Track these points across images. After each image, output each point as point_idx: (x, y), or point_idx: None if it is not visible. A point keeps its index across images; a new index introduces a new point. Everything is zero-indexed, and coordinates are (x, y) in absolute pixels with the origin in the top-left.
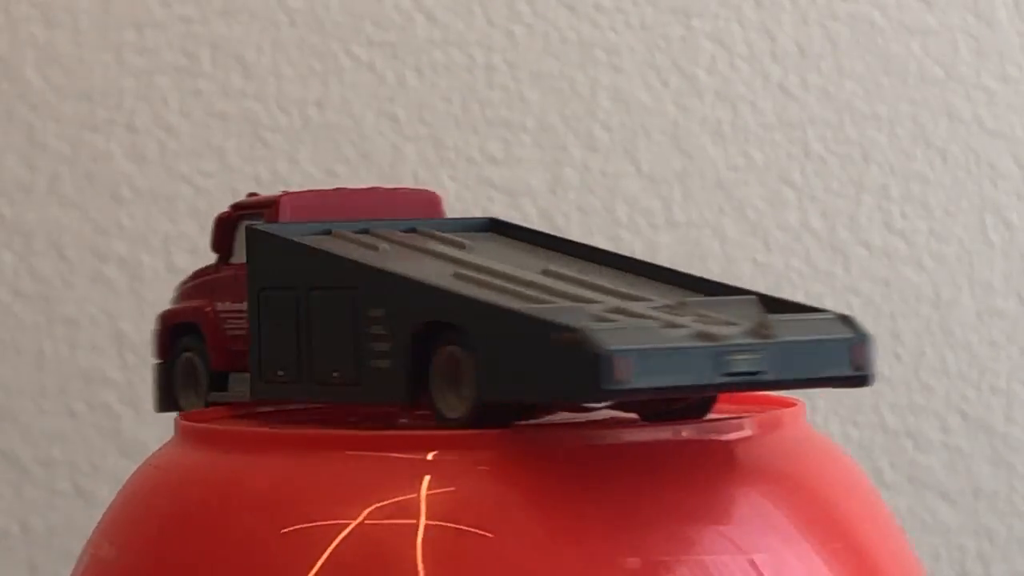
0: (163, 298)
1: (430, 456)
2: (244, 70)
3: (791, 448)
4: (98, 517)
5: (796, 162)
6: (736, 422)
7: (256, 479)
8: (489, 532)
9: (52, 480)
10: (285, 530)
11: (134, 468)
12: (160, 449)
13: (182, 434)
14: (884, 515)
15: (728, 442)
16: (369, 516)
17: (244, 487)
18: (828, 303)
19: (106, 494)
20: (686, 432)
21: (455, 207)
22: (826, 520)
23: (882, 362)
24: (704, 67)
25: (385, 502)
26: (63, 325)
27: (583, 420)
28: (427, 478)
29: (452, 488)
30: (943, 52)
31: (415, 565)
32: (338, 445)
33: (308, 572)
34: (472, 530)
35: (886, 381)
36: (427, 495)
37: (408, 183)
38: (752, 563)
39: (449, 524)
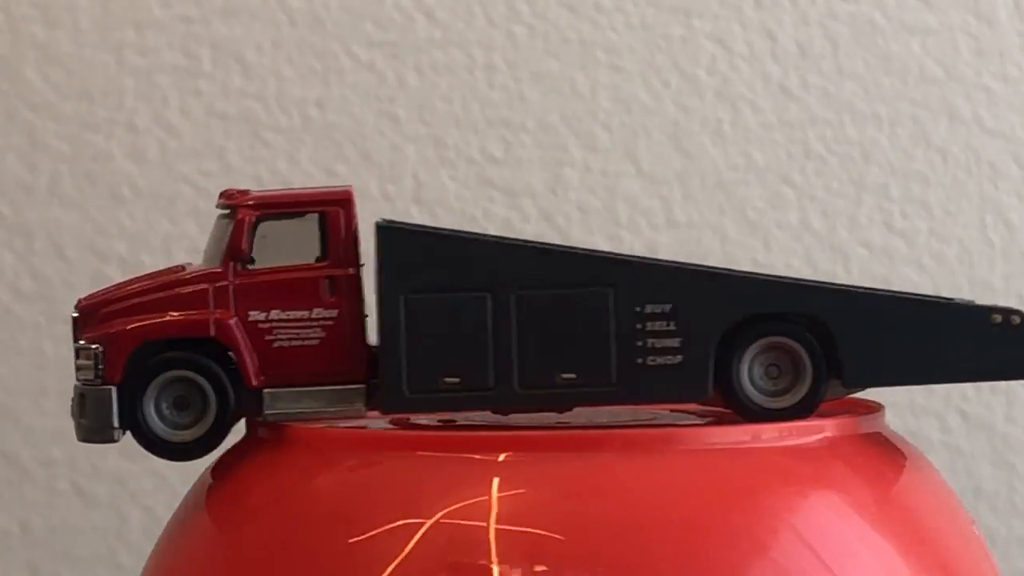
0: None
1: (501, 457)
2: (244, 70)
3: (871, 451)
4: (98, 517)
5: (796, 162)
6: (816, 424)
7: (327, 480)
8: (560, 535)
9: (52, 480)
10: (355, 535)
11: (134, 468)
12: (229, 451)
13: (253, 435)
14: (963, 518)
15: (808, 445)
16: (441, 518)
17: (315, 488)
18: None
19: (106, 494)
20: (766, 435)
21: (455, 207)
22: (907, 524)
23: None
24: (704, 67)
25: (456, 505)
26: (63, 325)
27: (662, 421)
28: (496, 480)
29: (523, 490)
30: (943, 52)
31: (489, 568)
32: (410, 446)
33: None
34: (543, 533)
35: None
36: (498, 497)
37: (408, 183)
38: (832, 569)
39: (520, 528)
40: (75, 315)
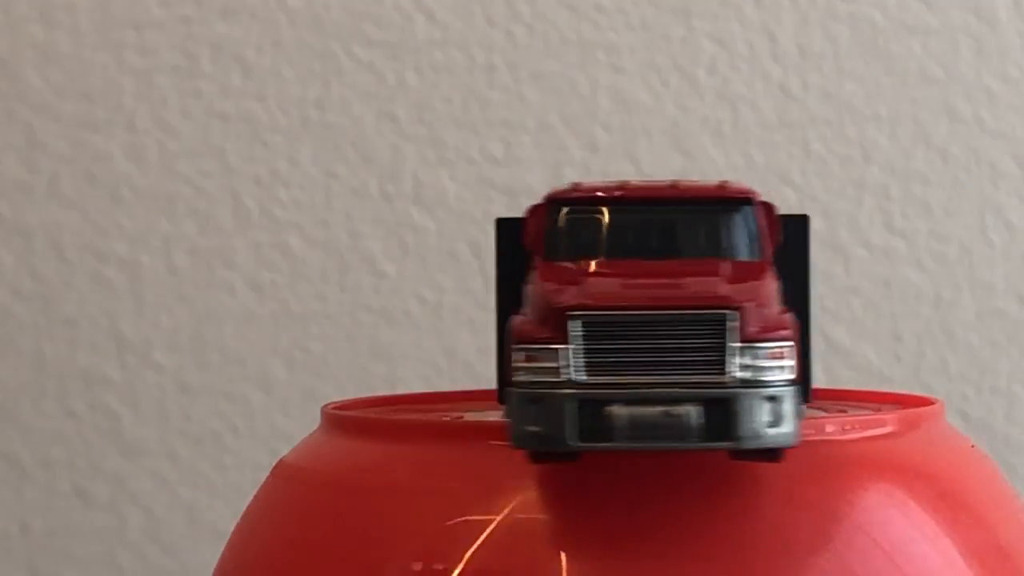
0: (163, 298)
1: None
2: (244, 70)
3: (932, 446)
4: (98, 517)
5: (796, 162)
6: (878, 418)
7: (398, 469)
8: (629, 526)
9: (52, 480)
10: (430, 523)
11: (134, 468)
12: (306, 440)
13: (328, 423)
14: (1021, 509)
15: (870, 439)
16: (513, 510)
17: (385, 477)
18: (828, 303)
19: (106, 494)
20: (830, 427)
21: (455, 207)
22: (968, 519)
23: (882, 363)
24: (704, 67)
25: (527, 494)
26: (63, 325)
27: None
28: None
29: (589, 479)
30: (943, 52)
31: (558, 558)
32: (482, 435)
33: (456, 566)
34: (613, 523)
35: (887, 382)
36: (569, 488)
37: (408, 183)
38: (895, 562)
39: (589, 519)
40: (731, 312)
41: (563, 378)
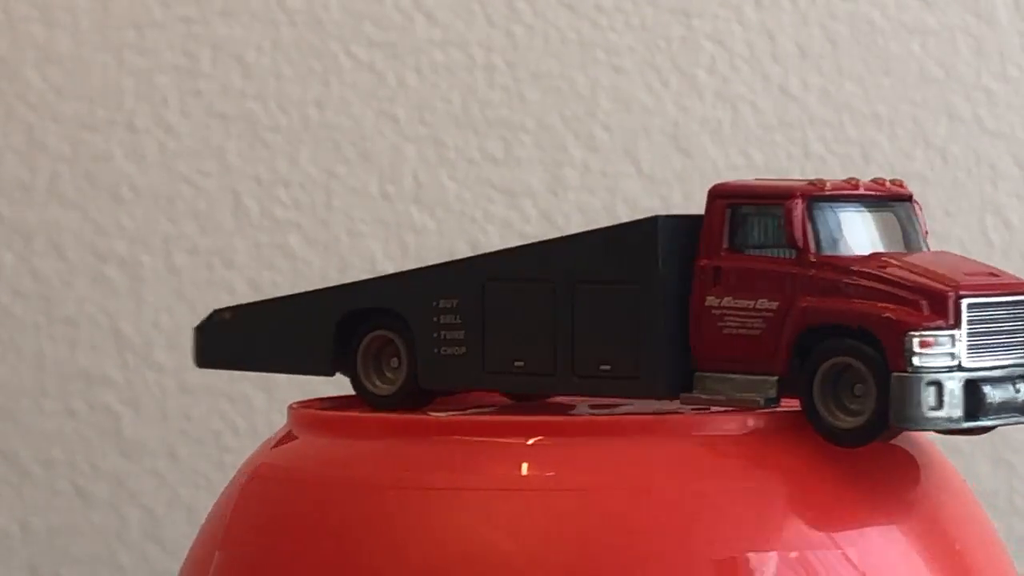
0: (163, 298)
1: (531, 442)
2: (244, 70)
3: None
4: (98, 517)
5: (796, 162)
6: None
7: (357, 465)
8: (588, 519)
9: (52, 480)
10: (383, 519)
11: (134, 468)
12: (265, 441)
13: (295, 421)
14: (975, 511)
15: (796, 436)
16: (467, 502)
17: (344, 473)
18: None
19: (106, 494)
20: (777, 421)
21: (455, 207)
22: (918, 511)
23: None
24: (704, 67)
25: (484, 488)
26: (63, 325)
27: (696, 409)
28: (525, 464)
29: (552, 473)
30: (943, 52)
31: (516, 550)
32: (444, 431)
33: (407, 558)
34: (572, 516)
35: None
36: (526, 480)
37: (408, 183)
38: (847, 556)
39: (548, 511)
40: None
41: (955, 362)
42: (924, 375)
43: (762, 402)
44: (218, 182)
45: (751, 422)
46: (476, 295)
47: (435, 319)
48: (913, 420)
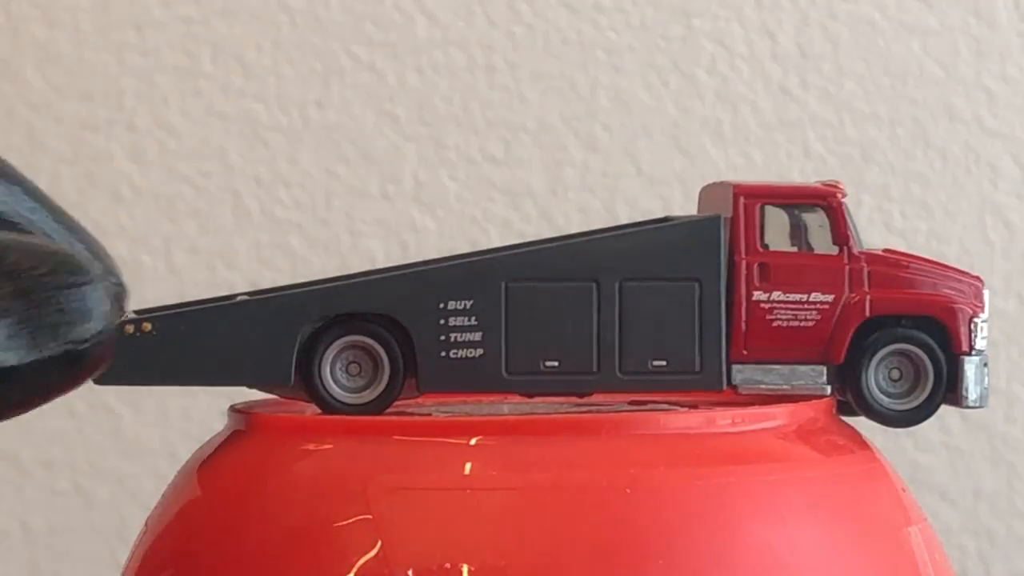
0: (163, 298)
1: (473, 442)
2: (244, 70)
3: (820, 438)
4: (98, 517)
5: (796, 162)
6: (768, 411)
7: (300, 467)
8: (529, 518)
9: (52, 480)
10: (331, 521)
11: (134, 468)
12: (209, 440)
13: (234, 423)
14: (910, 506)
15: (760, 431)
16: (411, 500)
17: (287, 475)
18: None
19: (106, 494)
20: (721, 421)
21: (455, 207)
22: (852, 508)
23: None
24: (704, 67)
25: (427, 488)
26: None
27: (622, 406)
28: (469, 464)
29: (495, 472)
30: (943, 52)
31: (460, 550)
32: (386, 431)
33: (356, 560)
34: (514, 517)
35: None
36: (468, 479)
37: (408, 183)
38: (776, 553)
39: (493, 511)
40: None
41: (984, 345)
42: (984, 357)
43: (828, 390)
44: (218, 182)
45: (697, 420)
46: (494, 296)
47: (441, 321)
48: (981, 399)
